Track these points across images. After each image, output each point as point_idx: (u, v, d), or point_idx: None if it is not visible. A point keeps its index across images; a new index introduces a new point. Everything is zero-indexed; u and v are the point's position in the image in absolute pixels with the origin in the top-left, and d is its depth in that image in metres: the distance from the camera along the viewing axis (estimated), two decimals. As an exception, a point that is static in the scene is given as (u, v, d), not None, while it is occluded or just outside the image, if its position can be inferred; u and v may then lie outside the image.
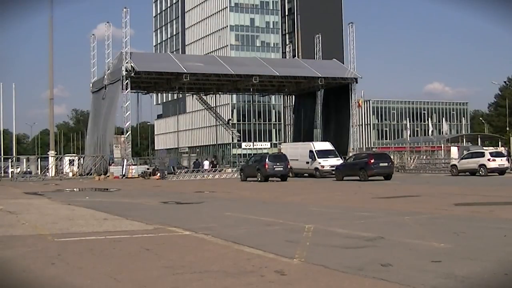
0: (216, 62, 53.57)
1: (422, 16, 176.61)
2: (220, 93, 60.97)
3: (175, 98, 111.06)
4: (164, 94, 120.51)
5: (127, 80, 46.12)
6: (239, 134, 79.34)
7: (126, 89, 46.47)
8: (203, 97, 60.18)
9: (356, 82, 53.44)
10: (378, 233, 10.20)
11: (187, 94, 63.79)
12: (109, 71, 49.64)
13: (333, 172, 36.03)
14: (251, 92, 61.66)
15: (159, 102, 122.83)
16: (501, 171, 35.12)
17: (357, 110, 56.34)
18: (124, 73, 45.74)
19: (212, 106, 63.57)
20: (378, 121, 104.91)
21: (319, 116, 57.17)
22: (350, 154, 50.58)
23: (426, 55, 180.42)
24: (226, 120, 72.09)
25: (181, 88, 55.11)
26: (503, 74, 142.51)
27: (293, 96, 61.03)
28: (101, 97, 50.30)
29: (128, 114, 47.43)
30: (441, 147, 60.68)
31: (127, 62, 45.82)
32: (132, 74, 46.01)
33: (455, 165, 37.86)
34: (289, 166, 36.25)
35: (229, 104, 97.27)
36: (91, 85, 54.24)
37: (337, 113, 54.92)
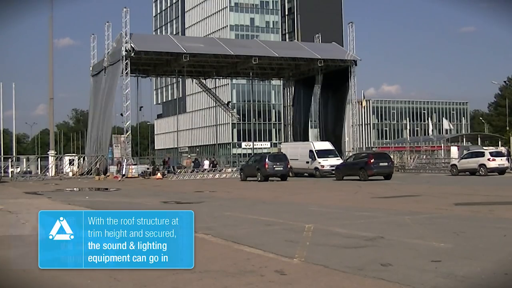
0: (215, 44, 53.45)
1: (422, 16, 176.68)
2: (220, 77, 60.91)
3: (175, 97, 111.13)
4: (164, 93, 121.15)
5: (126, 60, 45.89)
6: (238, 116, 79.26)
7: (126, 70, 46.14)
8: (202, 81, 60.24)
9: (356, 65, 52.77)
10: (378, 232, 10.20)
11: (186, 78, 63.29)
12: (109, 53, 49.59)
13: (333, 172, 36.02)
14: (250, 77, 61.05)
15: (159, 102, 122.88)
16: (501, 170, 35.11)
17: (358, 110, 56.24)
18: (124, 53, 45.57)
19: (211, 87, 63.43)
20: (378, 121, 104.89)
21: (318, 101, 56.78)
22: (347, 151, 50.75)
23: (426, 55, 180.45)
24: (226, 102, 72.21)
25: (181, 72, 54.75)
26: (503, 74, 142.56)
27: (293, 87, 60.91)
28: (101, 80, 50.10)
29: (128, 114, 47.38)
30: (441, 146, 60.69)
31: (126, 42, 45.77)
32: (132, 54, 45.82)
33: (455, 164, 37.86)
34: (289, 166, 36.29)
35: (229, 104, 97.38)
36: (91, 69, 54.07)
37: (335, 97, 54.53)
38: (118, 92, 47.83)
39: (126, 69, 46.16)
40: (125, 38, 45.89)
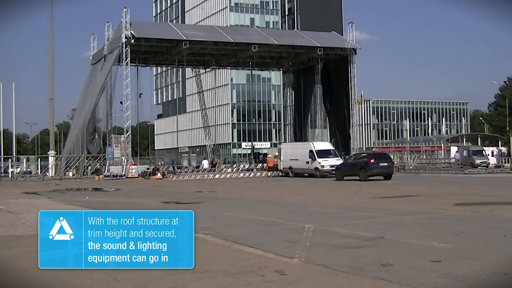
0: (215, 31, 53.51)
1: (422, 16, 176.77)
2: (219, 67, 61.06)
3: (175, 98, 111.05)
4: (164, 93, 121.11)
5: (126, 48, 45.82)
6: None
7: (126, 59, 46.02)
8: (201, 74, 60.69)
9: (355, 53, 52.61)
10: (378, 233, 10.21)
11: (186, 67, 63.17)
12: (108, 41, 49.58)
13: (333, 172, 35.99)
14: (250, 66, 60.87)
15: (159, 102, 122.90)
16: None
17: (357, 110, 56.12)
18: (123, 40, 45.46)
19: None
20: (378, 121, 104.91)
21: (318, 92, 56.62)
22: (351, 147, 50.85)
23: (426, 55, 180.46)
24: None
25: (180, 61, 54.70)
26: (503, 74, 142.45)
27: (292, 77, 60.83)
28: (99, 68, 50.03)
29: (128, 114, 47.37)
30: (441, 147, 60.71)
31: (126, 30, 45.67)
32: (132, 41, 45.75)
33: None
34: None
35: (229, 104, 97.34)
36: (91, 58, 54.06)
37: (335, 88, 54.34)
38: (118, 81, 47.85)
39: (126, 57, 46.01)
40: (125, 25, 45.91)
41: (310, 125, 59.80)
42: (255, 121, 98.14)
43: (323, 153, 39.48)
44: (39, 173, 46.82)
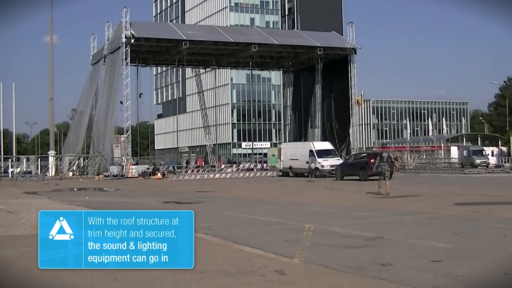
0: (215, 32, 53.53)
1: (422, 16, 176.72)
2: (219, 67, 61.14)
3: (175, 97, 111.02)
4: (164, 93, 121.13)
5: (126, 48, 45.78)
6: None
7: (126, 59, 45.98)
8: (201, 74, 60.91)
9: (355, 53, 52.66)
10: (378, 233, 10.21)
11: (186, 67, 63.26)
12: (108, 41, 49.57)
13: (333, 172, 35.99)
14: (250, 66, 60.77)
15: (159, 102, 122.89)
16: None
17: (357, 110, 56.14)
18: (123, 40, 45.46)
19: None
20: (378, 121, 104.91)
21: (318, 92, 56.69)
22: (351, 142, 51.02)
23: (426, 55, 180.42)
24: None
25: (180, 61, 54.66)
26: (503, 74, 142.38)
27: (292, 77, 60.85)
28: (99, 68, 49.99)
29: (128, 114, 47.37)
30: (441, 146, 60.73)
31: (126, 30, 45.66)
32: (132, 41, 45.76)
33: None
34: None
35: (229, 104, 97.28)
36: (91, 58, 54.07)
37: (335, 88, 54.29)
38: (118, 81, 47.80)
39: (126, 57, 45.97)
40: (125, 25, 45.90)
41: (310, 125, 59.79)
42: (255, 121, 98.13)
43: (323, 153, 39.49)
44: (39, 173, 46.81)
